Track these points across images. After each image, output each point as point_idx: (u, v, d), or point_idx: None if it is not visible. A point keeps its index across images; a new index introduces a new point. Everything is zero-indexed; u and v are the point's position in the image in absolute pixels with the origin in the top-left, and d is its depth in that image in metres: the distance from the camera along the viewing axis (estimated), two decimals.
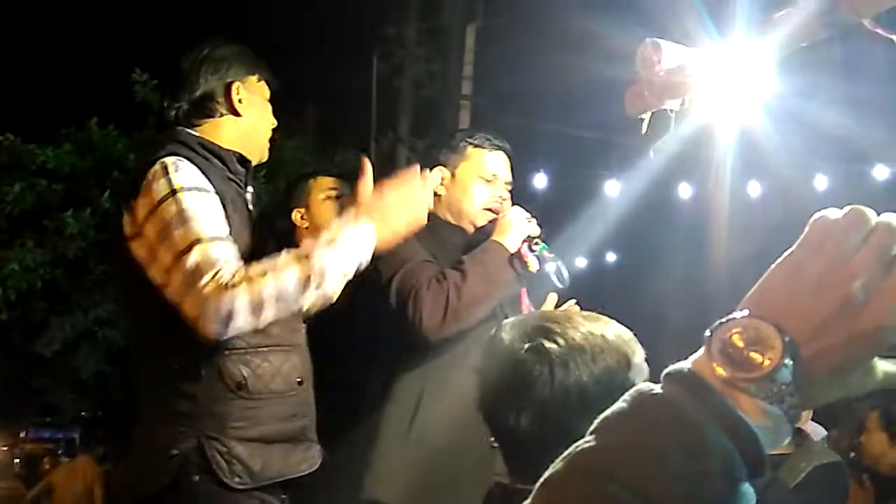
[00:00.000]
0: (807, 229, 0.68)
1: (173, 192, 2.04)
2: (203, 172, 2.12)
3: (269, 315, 1.98)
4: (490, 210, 2.68)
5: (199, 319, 1.95)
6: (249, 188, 2.35)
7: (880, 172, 8.04)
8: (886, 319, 0.64)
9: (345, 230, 2.06)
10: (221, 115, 2.30)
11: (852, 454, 3.97)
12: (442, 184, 2.69)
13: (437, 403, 2.43)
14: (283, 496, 2.25)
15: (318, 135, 10.22)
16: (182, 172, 2.08)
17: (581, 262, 8.68)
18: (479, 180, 2.69)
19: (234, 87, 2.31)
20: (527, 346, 1.40)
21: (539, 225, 2.62)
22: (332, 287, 2.04)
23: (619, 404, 0.66)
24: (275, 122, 2.43)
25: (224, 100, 2.30)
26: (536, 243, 2.58)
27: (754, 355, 0.63)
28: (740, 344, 0.64)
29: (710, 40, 2.74)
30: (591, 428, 0.66)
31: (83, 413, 15.92)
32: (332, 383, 2.38)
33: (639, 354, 1.43)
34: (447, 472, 2.39)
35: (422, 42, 10.06)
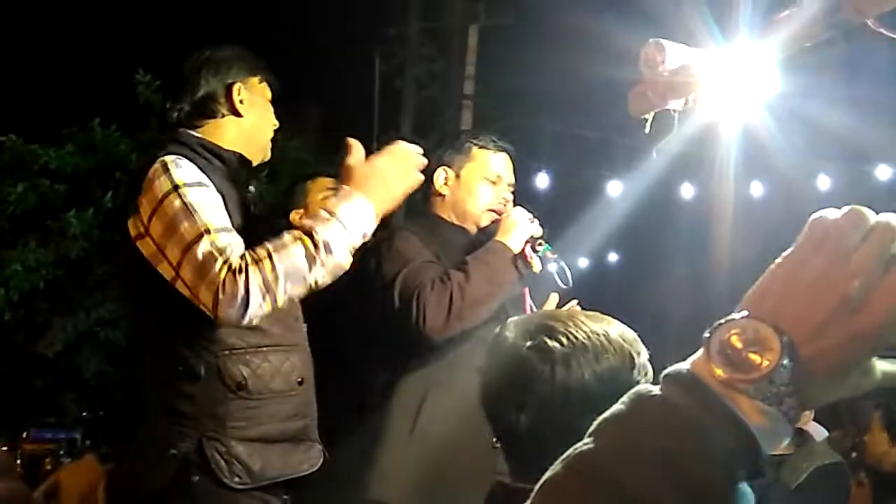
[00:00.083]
0: (805, 230, 0.67)
1: (175, 187, 2.05)
2: (204, 173, 2.13)
3: (281, 293, 1.98)
4: (493, 211, 2.68)
5: (216, 306, 1.95)
6: (251, 188, 2.35)
7: (883, 172, 8.04)
8: (885, 319, 0.63)
9: (341, 204, 2.07)
10: (223, 115, 2.31)
11: (854, 454, 3.98)
12: (446, 184, 2.70)
13: (441, 404, 2.43)
14: (286, 496, 2.25)
15: (321, 135, 10.24)
16: (182, 169, 2.09)
17: (583, 263, 8.68)
18: (484, 181, 2.69)
19: (235, 88, 2.31)
20: (529, 343, 1.40)
21: (542, 225, 2.62)
22: (340, 259, 2.04)
23: (618, 406, 0.66)
24: (276, 123, 2.43)
25: (225, 101, 2.31)
26: (540, 244, 2.58)
27: (753, 356, 0.63)
28: (739, 345, 0.64)
29: (714, 41, 2.74)
30: (590, 430, 0.66)
31: (85, 413, 15.94)
32: (334, 383, 2.38)
33: (643, 354, 1.43)
34: (450, 472, 2.38)
35: (424, 42, 10.08)
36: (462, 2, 9.90)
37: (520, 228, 2.58)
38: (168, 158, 2.10)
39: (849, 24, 2.27)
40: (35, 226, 9.20)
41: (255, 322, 2.01)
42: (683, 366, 0.66)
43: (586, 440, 0.65)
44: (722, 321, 0.65)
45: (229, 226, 2.07)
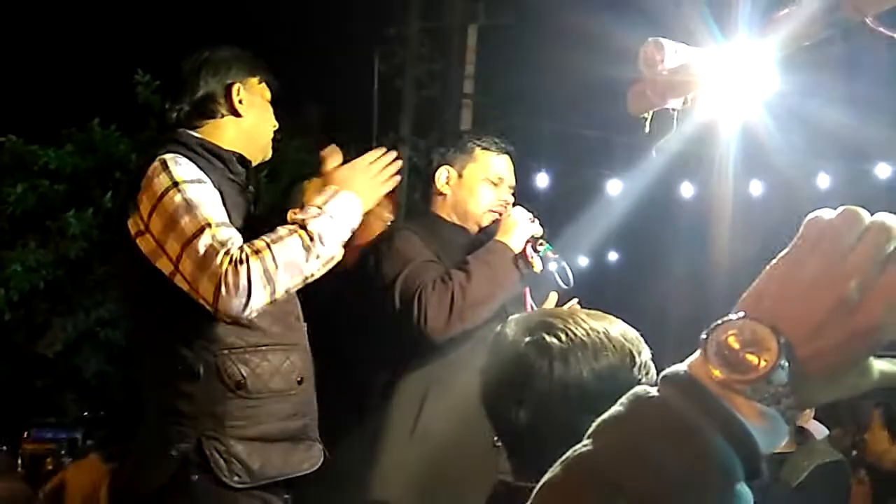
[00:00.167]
0: (801, 230, 0.67)
1: (175, 184, 2.06)
2: (203, 172, 2.14)
3: (281, 284, 2.02)
4: (494, 212, 2.69)
5: (217, 298, 1.96)
6: (251, 188, 2.36)
7: (882, 171, 8.04)
8: (881, 318, 0.63)
9: (328, 199, 2.15)
10: (222, 116, 2.32)
11: (854, 452, 3.98)
12: (448, 183, 2.70)
13: (442, 403, 2.43)
14: (286, 496, 2.25)
15: (321, 135, 10.23)
16: (182, 167, 2.10)
17: (584, 262, 8.69)
18: (486, 182, 2.70)
19: (234, 88, 2.32)
20: (528, 339, 1.40)
21: (542, 225, 2.63)
22: (332, 252, 2.11)
23: (617, 408, 0.66)
24: (276, 124, 2.44)
25: (224, 101, 2.32)
26: (541, 243, 2.59)
27: (750, 357, 0.63)
28: (736, 346, 0.64)
29: (713, 39, 2.75)
30: (589, 432, 0.66)
31: (85, 413, 15.93)
32: (334, 383, 2.38)
33: (644, 353, 1.43)
34: (451, 472, 2.39)
35: (423, 42, 10.07)
36: (462, 2, 9.89)
37: (520, 228, 2.58)
38: (167, 156, 2.11)
39: (848, 23, 2.28)
40: (35, 226, 9.20)
41: (254, 314, 2.02)
42: (681, 367, 0.66)
43: (585, 442, 0.65)
44: (719, 322, 0.66)
45: (228, 221, 2.09)
